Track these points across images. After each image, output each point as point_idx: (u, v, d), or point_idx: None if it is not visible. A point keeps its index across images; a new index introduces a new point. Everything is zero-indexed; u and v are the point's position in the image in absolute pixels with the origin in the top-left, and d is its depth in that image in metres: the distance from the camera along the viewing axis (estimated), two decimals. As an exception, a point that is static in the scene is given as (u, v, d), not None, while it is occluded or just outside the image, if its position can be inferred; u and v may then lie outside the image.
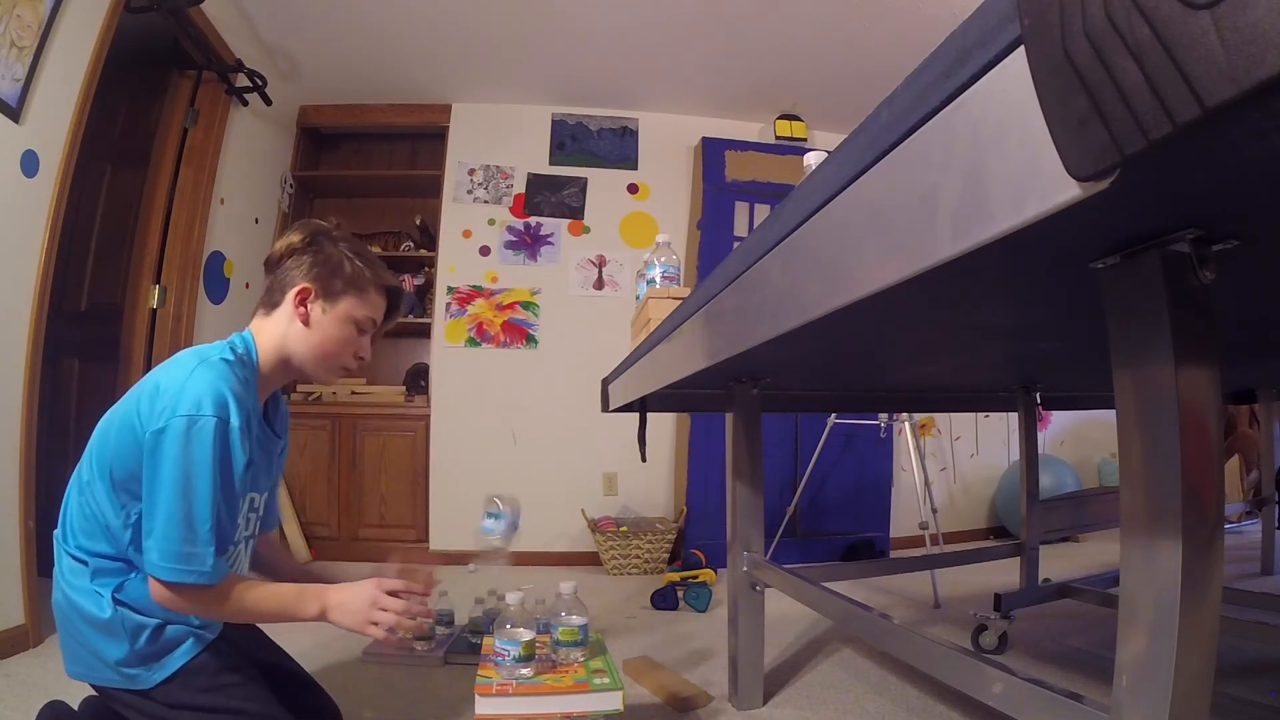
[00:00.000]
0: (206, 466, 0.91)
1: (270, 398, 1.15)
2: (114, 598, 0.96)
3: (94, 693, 1.03)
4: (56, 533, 1.05)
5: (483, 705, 1.10)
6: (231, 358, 1.01)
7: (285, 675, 1.17)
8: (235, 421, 0.95)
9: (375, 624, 0.97)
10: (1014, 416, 2.10)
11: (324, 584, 1.03)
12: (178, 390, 0.93)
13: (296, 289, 1.07)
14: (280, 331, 1.08)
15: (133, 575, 0.98)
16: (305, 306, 1.08)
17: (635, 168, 3.55)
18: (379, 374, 3.55)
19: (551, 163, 3.51)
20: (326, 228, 1.13)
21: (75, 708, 1.07)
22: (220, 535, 0.93)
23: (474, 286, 3.37)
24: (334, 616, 0.98)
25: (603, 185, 3.51)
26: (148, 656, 0.96)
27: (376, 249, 3.41)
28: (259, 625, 1.19)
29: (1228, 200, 0.41)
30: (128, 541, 0.97)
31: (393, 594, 1.00)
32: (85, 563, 0.98)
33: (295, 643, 1.34)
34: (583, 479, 3.28)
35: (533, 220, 3.45)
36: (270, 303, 1.10)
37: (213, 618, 1.01)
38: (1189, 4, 0.24)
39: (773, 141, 3.53)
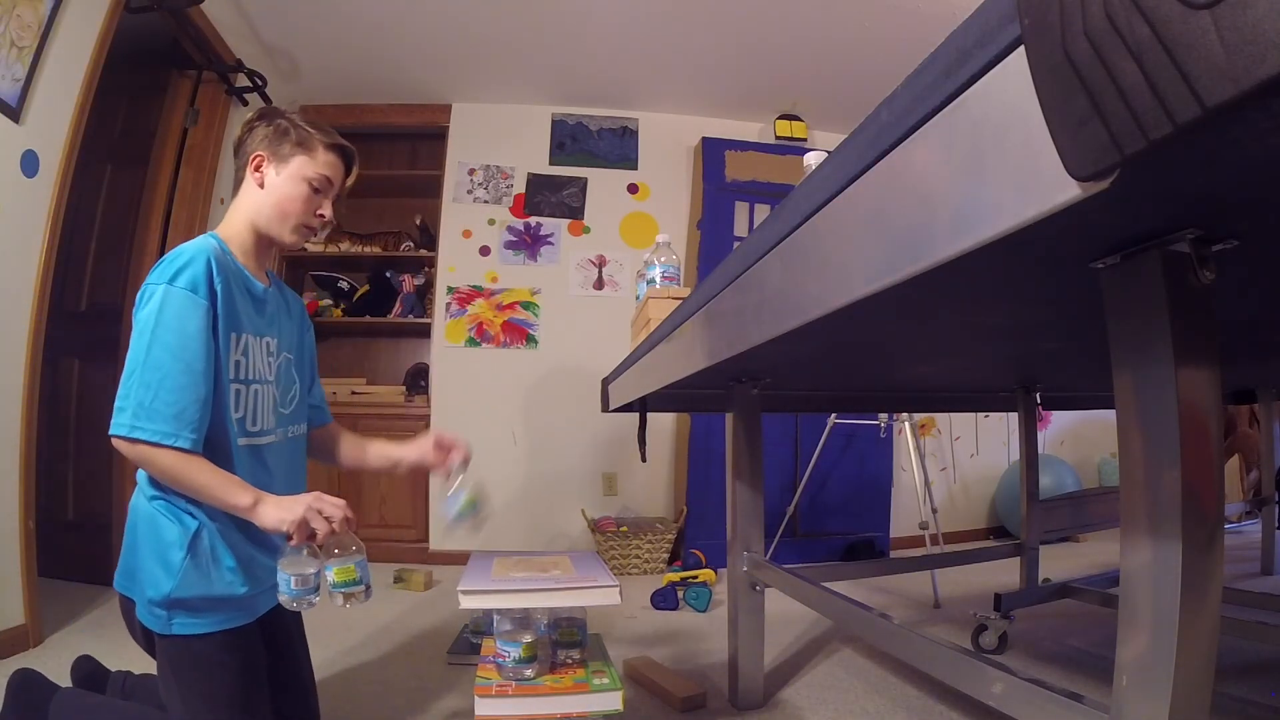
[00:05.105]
0: (168, 329, 0.98)
1: (275, 281, 1.24)
2: (192, 538, 1.01)
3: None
4: None
5: (482, 706, 1.10)
6: (214, 238, 1.11)
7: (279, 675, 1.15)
8: (199, 276, 1.01)
9: (315, 517, 0.99)
10: (1014, 416, 2.10)
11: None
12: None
13: (252, 157, 1.15)
14: (246, 203, 1.16)
15: (218, 524, 1.03)
16: (260, 171, 1.16)
17: (635, 168, 3.54)
18: (379, 374, 3.55)
19: (551, 163, 3.50)
20: (278, 107, 1.22)
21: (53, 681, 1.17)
22: (186, 397, 0.97)
23: (474, 286, 3.37)
24: (265, 509, 0.99)
25: (603, 185, 3.51)
26: (178, 605, 1.00)
27: (376, 249, 3.42)
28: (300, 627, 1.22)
29: (1228, 200, 0.41)
30: None
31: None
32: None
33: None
34: (583, 479, 3.28)
35: (533, 220, 3.45)
36: (237, 181, 1.19)
37: (163, 478, 0.99)
38: (1189, 4, 0.24)
39: (773, 141, 3.53)
